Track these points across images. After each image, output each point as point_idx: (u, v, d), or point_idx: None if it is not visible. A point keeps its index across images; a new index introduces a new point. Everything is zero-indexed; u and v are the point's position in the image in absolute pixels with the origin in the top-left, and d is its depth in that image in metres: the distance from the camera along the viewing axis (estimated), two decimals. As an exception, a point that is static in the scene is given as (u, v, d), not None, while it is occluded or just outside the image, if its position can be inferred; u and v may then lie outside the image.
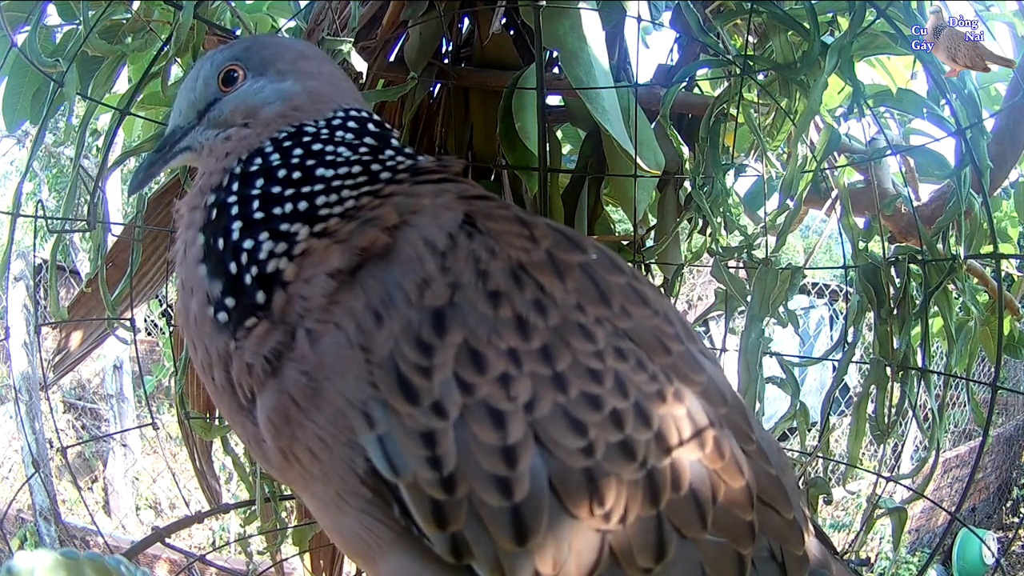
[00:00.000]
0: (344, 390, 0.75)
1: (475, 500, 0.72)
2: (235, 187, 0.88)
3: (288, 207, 0.85)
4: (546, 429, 0.73)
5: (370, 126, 0.95)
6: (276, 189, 0.86)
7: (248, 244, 0.84)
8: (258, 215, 0.85)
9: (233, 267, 0.84)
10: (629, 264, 0.92)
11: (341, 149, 0.90)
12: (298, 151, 0.89)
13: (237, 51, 0.99)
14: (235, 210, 0.86)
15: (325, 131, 0.92)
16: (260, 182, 0.87)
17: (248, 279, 0.82)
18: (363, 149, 0.91)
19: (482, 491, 0.72)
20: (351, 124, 0.94)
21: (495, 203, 0.88)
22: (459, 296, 0.75)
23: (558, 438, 0.73)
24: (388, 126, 0.98)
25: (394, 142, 0.95)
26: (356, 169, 0.88)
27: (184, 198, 0.95)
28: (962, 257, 1.50)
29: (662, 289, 1.97)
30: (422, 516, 0.73)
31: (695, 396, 0.82)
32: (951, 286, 1.58)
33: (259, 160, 0.89)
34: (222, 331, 0.84)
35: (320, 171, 0.87)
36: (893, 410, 1.60)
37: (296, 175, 0.87)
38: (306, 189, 0.86)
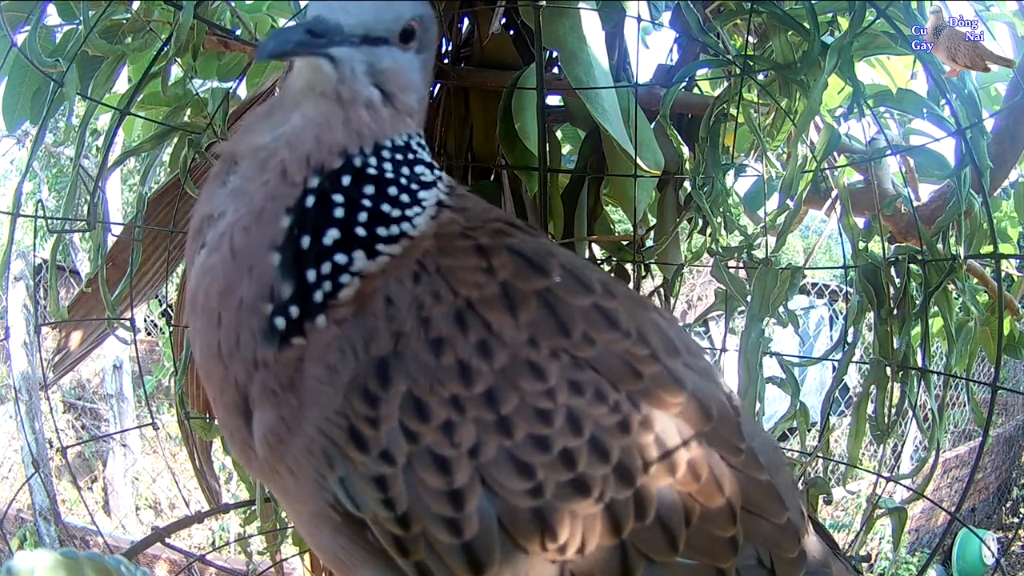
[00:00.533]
0: (316, 422, 0.77)
1: (430, 537, 0.74)
2: (346, 183, 0.80)
3: (394, 228, 0.81)
4: (491, 473, 0.74)
5: (423, 154, 0.89)
6: (385, 207, 0.81)
7: (341, 259, 0.78)
8: (360, 231, 0.79)
9: (312, 275, 0.78)
10: (602, 278, 0.87)
11: (418, 168, 0.86)
12: (404, 170, 0.84)
13: (427, 14, 0.85)
14: (339, 212, 0.79)
15: (415, 147, 0.87)
16: (371, 190, 0.81)
17: (319, 296, 0.78)
18: (423, 177, 0.87)
19: (434, 530, 0.74)
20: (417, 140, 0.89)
21: (457, 229, 0.84)
22: (402, 345, 0.75)
23: (504, 481, 0.74)
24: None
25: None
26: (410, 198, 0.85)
27: (255, 132, 0.83)
28: (962, 257, 1.50)
29: (661, 290, 1.97)
30: (387, 545, 0.76)
31: (670, 418, 0.81)
32: (951, 286, 1.58)
33: (374, 162, 0.82)
34: (269, 337, 0.78)
35: (404, 196, 0.83)
36: (893, 410, 1.60)
37: (393, 192, 0.83)
38: (396, 213, 0.82)
